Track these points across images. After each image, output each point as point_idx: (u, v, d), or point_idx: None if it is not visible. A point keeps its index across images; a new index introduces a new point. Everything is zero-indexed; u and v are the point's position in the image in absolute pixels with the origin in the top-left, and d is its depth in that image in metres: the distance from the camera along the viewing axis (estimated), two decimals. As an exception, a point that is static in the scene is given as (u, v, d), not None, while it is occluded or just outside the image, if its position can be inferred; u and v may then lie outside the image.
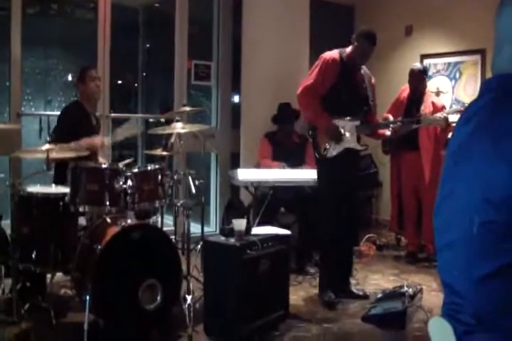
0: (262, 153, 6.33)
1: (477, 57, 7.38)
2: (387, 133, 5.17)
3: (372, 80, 5.18)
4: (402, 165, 6.43)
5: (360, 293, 5.10)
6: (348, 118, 4.92)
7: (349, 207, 5.06)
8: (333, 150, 4.92)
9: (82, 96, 5.28)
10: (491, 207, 1.27)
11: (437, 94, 7.54)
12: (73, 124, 5.06)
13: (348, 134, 4.92)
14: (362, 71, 5.10)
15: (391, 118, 6.06)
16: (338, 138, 4.89)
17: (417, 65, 6.55)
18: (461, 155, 1.40)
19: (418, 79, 6.34)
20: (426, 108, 6.22)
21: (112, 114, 6.45)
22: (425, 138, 6.18)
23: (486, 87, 1.44)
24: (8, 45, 5.89)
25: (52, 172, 4.84)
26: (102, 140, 5.17)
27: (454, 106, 7.43)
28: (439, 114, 5.83)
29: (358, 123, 4.96)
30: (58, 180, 4.75)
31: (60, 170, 4.70)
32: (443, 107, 6.37)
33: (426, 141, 6.17)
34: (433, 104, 6.28)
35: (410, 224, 6.50)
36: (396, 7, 8.22)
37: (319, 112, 4.91)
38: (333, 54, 4.98)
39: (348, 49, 4.98)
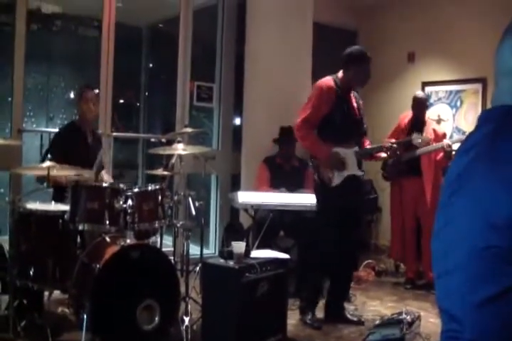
0: (260, 180, 6.30)
1: (478, 86, 7.42)
2: (383, 155, 5.16)
3: (360, 101, 5.16)
4: (404, 191, 6.41)
5: (355, 319, 5.06)
6: (346, 145, 4.92)
7: (355, 232, 5.16)
8: (336, 179, 4.90)
9: (79, 114, 5.30)
10: (492, 231, 1.26)
11: (438, 121, 7.56)
12: (66, 144, 5.03)
13: (349, 161, 4.91)
14: (352, 93, 5.09)
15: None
16: (340, 167, 4.87)
17: (421, 93, 6.57)
18: (459, 183, 1.39)
19: (421, 106, 6.37)
20: (427, 135, 6.22)
21: (114, 133, 6.44)
22: (427, 165, 6.18)
23: (485, 117, 1.43)
24: (11, 61, 5.89)
25: (51, 190, 4.82)
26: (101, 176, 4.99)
27: (455, 135, 7.47)
28: (441, 143, 5.90)
29: (356, 148, 4.96)
30: (57, 198, 4.74)
31: (60, 188, 4.69)
32: (444, 135, 6.41)
33: (428, 168, 6.18)
34: (434, 131, 6.30)
35: (410, 250, 6.47)
36: (399, 34, 8.27)
37: (318, 143, 4.88)
38: (328, 81, 4.93)
39: (340, 74, 4.96)
